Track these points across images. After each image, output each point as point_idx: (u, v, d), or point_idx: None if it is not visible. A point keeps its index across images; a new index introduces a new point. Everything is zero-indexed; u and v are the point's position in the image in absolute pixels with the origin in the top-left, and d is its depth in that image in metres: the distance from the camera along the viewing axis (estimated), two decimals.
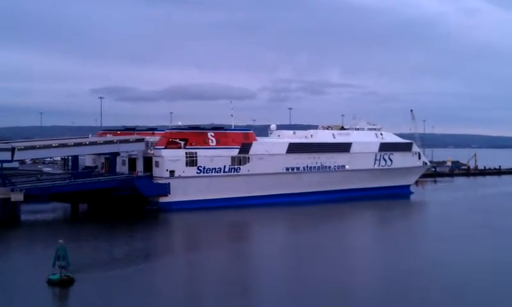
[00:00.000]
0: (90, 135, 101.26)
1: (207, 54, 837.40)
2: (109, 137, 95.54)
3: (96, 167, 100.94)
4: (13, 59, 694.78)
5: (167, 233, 78.89)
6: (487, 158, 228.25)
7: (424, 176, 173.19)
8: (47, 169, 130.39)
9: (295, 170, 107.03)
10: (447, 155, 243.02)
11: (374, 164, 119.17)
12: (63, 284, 44.02)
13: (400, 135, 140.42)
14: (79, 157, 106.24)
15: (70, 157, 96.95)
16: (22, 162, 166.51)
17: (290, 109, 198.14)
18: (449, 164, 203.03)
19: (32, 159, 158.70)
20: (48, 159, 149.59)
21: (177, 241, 74.51)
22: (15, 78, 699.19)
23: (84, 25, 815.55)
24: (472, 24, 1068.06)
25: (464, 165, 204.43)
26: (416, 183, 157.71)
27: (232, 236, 75.86)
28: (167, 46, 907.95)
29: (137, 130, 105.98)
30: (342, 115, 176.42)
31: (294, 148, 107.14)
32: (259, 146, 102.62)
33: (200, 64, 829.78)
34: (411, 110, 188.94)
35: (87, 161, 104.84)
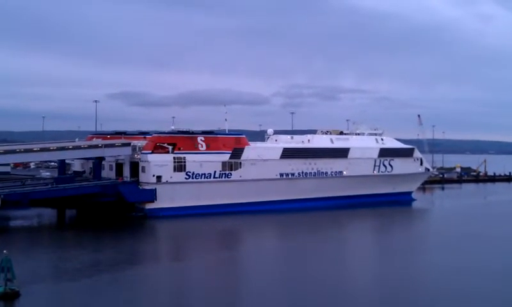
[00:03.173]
0: (77, 140, 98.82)
1: (223, 59, 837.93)
2: (94, 141, 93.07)
3: (84, 172, 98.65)
4: (30, 64, 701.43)
5: (147, 241, 75.11)
6: (499, 165, 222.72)
7: (432, 182, 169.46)
8: (46, 174, 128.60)
9: (289, 176, 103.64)
10: (463, 161, 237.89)
11: (374, 170, 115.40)
12: (7, 298, 41.14)
13: (409, 142, 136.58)
14: (70, 162, 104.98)
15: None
16: (25, 166, 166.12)
17: (293, 113, 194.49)
18: (458, 170, 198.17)
19: (35, 163, 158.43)
20: (53, 163, 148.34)
21: (156, 249, 70.50)
22: (32, 83, 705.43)
23: (101, 30, 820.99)
24: (486, 29, 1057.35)
25: (474, 171, 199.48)
26: (424, 189, 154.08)
27: (220, 245, 72.23)
28: (183, 51, 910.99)
29: (128, 134, 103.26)
30: (347, 120, 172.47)
31: (288, 153, 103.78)
32: (252, 151, 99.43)
33: (215, 69, 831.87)
34: (419, 115, 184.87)
35: (76, 166, 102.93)
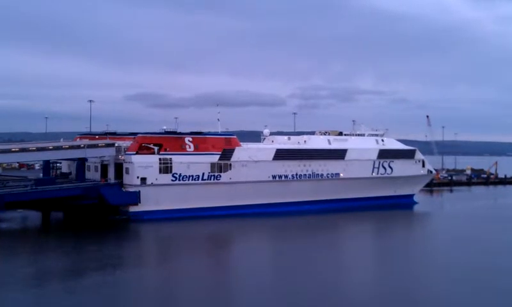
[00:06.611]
0: (62, 140, 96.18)
1: (241, 61, 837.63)
2: (77, 141, 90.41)
3: (70, 173, 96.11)
4: (51, 66, 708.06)
5: (126, 246, 71.88)
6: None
7: (440, 185, 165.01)
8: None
9: (283, 178, 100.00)
10: (478, 164, 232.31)
11: (372, 172, 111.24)
12: None
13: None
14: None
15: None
16: (30, 167, 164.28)
17: (295, 113, 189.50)
18: (468, 172, 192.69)
19: (40, 164, 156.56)
20: (58, 164, 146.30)
21: (135, 254, 66.76)
22: (50, 85, 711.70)
23: (120, 34, 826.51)
24: (507, 31, 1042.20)
25: (485, 173, 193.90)
26: (432, 192, 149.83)
27: (207, 250, 68.86)
28: (201, 53, 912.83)
29: (118, 135, 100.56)
30: (353, 121, 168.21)
31: (282, 155, 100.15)
32: (243, 152, 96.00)
33: (233, 71, 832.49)
34: (427, 116, 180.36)
35: (63, 167, 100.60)
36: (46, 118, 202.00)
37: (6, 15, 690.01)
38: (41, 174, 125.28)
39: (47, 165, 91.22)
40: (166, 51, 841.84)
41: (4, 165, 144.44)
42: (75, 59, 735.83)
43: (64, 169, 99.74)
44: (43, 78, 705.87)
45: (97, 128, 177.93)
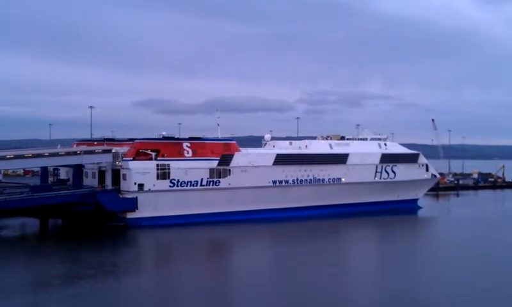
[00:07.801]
0: (59, 146, 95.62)
1: (249, 67, 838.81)
2: (73, 148, 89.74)
3: (68, 180, 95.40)
4: (56, 73, 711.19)
5: (120, 253, 70.97)
6: None
7: (446, 189, 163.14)
8: None
9: (283, 183, 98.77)
10: (486, 167, 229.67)
11: (375, 177, 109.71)
12: None
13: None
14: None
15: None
16: (34, 173, 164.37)
17: (298, 118, 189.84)
18: (475, 176, 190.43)
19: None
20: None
21: (129, 262, 65.81)
22: (56, 91, 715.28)
23: (128, 39, 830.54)
24: None
25: (492, 177, 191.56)
26: (438, 196, 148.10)
27: (206, 257, 67.86)
28: (210, 59, 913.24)
29: (117, 141, 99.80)
30: (357, 125, 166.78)
31: (282, 160, 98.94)
32: (242, 157, 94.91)
33: (242, 76, 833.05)
34: (433, 119, 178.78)
35: (62, 174, 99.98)
36: (50, 124, 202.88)
37: (6, 19, 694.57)
38: None
39: (45, 172, 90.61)
40: (173, 56, 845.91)
41: (10, 171, 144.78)
42: (79, 64, 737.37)
43: (63, 176, 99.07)
44: (48, 84, 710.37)
45: (103, 134, 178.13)
